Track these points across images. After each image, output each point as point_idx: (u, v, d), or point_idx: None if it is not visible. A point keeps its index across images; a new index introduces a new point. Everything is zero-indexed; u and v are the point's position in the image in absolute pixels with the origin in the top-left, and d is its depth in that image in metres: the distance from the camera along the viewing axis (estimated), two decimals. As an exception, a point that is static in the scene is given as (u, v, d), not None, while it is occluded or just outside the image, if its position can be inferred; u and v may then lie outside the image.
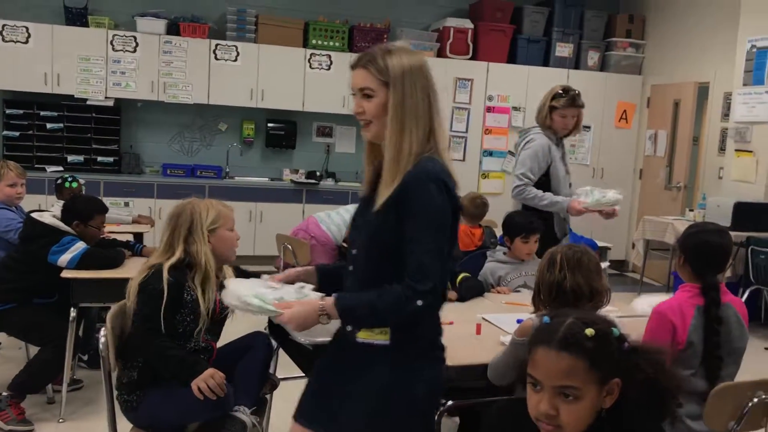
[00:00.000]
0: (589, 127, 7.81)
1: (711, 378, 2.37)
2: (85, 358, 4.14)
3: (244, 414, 2.42)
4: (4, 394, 3.34)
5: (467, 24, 7.52)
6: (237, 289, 1.91)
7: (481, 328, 2.67)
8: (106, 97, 6.79)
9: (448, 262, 1.82)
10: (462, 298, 3.16)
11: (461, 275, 3.36)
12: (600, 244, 5.53)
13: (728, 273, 5.27)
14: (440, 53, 7.42)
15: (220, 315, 2.57)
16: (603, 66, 8.00)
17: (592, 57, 7.95)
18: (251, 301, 1.85)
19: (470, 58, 7.49)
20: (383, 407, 1.84)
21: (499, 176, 7.64)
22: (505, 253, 3.54)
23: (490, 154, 7.60)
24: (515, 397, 1.57)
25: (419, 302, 1.73)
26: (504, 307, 3.09)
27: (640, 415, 1.44)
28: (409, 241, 1.75)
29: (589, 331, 1.40)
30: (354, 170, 7.59)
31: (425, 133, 1.80)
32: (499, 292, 3.35)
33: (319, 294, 1.87)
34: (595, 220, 4.02)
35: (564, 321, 1.44)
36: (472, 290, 3.25)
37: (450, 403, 2.38)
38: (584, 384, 1.39)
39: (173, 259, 2.46)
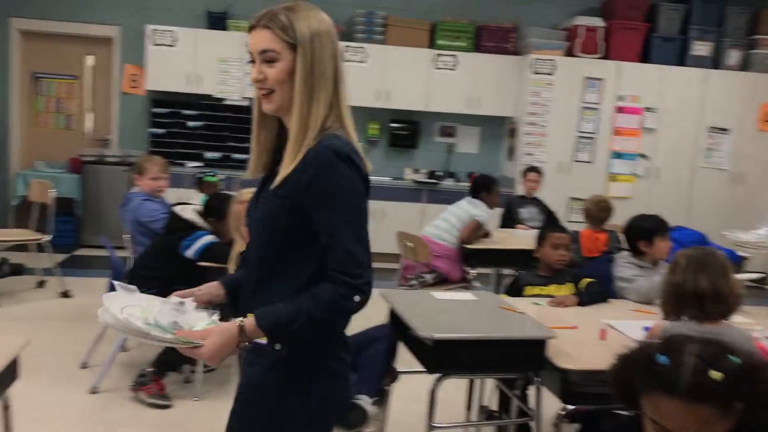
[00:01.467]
0: (727, 130, 7.38)
1: None
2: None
3: (366, 403, 2.49)
4: (149, 369, 3.63)
5: (598, 22, 7.30)
6: (128, 315, 1.56)
7: (605, 334, 2.62)
8: (242, 98, 7.15)
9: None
10: (582, 303, 3.12)
11: (586, 280, 3.31)
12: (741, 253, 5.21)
13: None
14: (569, 52, 7.25)
15: None
16: (745, 65, 7.52)
17: (734, 56, 7.49)
18: (151, 332, 1.55)
19: (601, 57, 7.27)
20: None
21: (629, 179, 7.35)
22: (635, 257, 3.43)
23: (620, 156, 7.34)
24: (635, 414, 1.53)
25: (357, 298, 1.51)
26: (630, 314, 3.01)
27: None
28: (327, 232, 1.54)
29: (716, 375, 1.33)
30: (475, 170, 7.55)
31: (329, 104, 1.59)
32: None
33: (205, 316, 1.69)
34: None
35: (683, 362, 1.36)
36: (596, 296, 3.21)
37: (571, 408, 2.37)
38: (717, 425, 1.35)
39: None
